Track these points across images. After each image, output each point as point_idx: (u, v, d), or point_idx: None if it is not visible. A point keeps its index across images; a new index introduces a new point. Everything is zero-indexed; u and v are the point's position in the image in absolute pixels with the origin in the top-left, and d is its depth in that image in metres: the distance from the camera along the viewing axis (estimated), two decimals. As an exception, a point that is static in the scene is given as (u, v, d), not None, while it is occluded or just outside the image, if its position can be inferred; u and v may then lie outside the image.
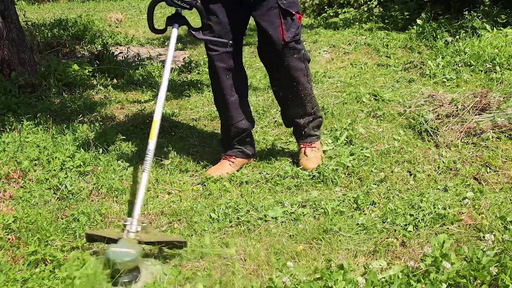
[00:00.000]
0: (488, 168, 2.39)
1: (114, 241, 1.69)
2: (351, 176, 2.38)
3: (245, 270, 1.73)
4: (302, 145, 2.54)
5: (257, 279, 1.68)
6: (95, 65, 4.44)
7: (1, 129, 2.89)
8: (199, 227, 2.00)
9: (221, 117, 2.52)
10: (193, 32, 2.17)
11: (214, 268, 1.73)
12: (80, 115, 3.24)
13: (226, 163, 2.49)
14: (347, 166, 2.43)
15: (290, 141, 2.83)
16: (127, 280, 1.60)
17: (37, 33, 5.87)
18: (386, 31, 5.66)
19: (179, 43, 6.30)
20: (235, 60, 2.34)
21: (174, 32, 2.10)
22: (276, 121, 3.17)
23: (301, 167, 2.45)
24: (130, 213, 2.11)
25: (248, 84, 2.52)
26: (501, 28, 4.72)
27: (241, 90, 2.43)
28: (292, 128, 2.61)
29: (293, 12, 2.19)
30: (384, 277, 1.59)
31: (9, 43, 3.75)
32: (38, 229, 1.91)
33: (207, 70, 4.64)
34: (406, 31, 5.43)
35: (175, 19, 2.12)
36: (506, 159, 2.47)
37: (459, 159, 2.50)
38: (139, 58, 5.10)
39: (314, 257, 1.79)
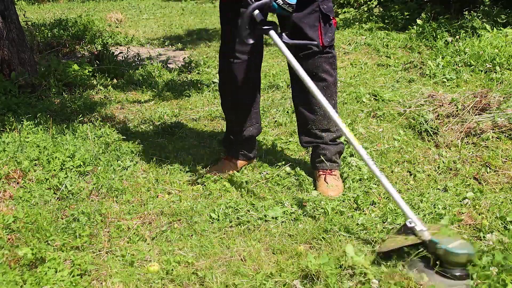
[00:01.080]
0: (488, 168, 2.39)
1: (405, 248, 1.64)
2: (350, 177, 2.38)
3: (245, 270, 1.73)
4: (321, 172, 2.33)
5: (257, 279, 1.68)
6: (95, 65, 4.44)
7: (1, 129, 2.89)
8: (199, 227, 2.00)
9: (229, 121, 2.48)
10: (284, 35, 1.98)
11: None
12: (80, 115, 3.24)
13: (227, 164, 2.49)
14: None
15: (290, 141, 2.83)
16: (461, 274, 1.55)
17: (37, 33, 5.87)
18: (386, 31, 5.66)
19: (179, 43, 6.31)
20: (255, 67, 2.29)
21: (274, 35, 1.93)
22: (276, 121, 3.17)
23: (319, 192, 2.25)
24: (130, 213, 2.12)
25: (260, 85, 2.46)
26: (501, 28, 4.72)
27: (255, 97, 2.38)
28: (309, 149, 2.45)
29: (331, 17, 2.16)
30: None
31: (9, 43, 3.75)
32: (38, 229, 1.91)
33: (206, 69, 4.66)
34: (406, 31, 5.43)
35: (268, 24, 1.93)
36: (506, 159, 2.47)
37: (459, 159, 2.50)
38: (139, 58, 5.11)
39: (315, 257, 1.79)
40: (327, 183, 2.28)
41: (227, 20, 2.23)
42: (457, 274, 1.55)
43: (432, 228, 1.68)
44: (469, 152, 2.56)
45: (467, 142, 2.66)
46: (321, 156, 2.34)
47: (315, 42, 2.12)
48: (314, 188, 2.30)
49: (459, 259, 1.55)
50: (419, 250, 1.60)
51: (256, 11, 1.90)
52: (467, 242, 1.61)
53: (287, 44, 1.94)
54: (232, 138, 2.49)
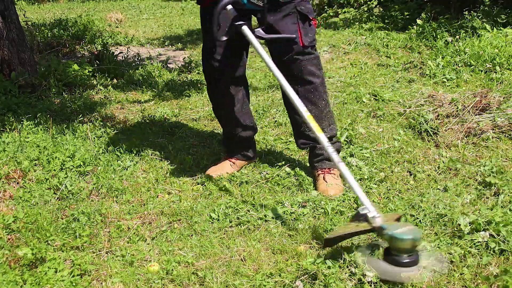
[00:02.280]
0: (488, 168, 2.39)
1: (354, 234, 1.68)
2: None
3: (245, 270, 1.73)
4: (320, 171, 2.33)
5: (257, 279, 1.68)
6: (95, 65, 4.44)
7: (1, 129, 2.89)
8: (199, 227, 2.00)
9: (224, 127, 2.51)
10: (260, 29, 2.00)
11: None
12: (80, 115, 3.24)
13: (227, 164, 2.49)
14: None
15: (290, 141, 2.83)
16: (409, 260, 1.54)
17: (37, 33, 5.87)
18: (386, 31, 5.66)
19: (179, 43, 6.31)
20: (240, 72, 2.30)
21: (248, 31, 1.95)
22: (276, 121, 3.17)
23: (319, 192, 2.25)
24: (130, 213, 2.11)
25: (248, 84, 2.49)
26: (501, 28, 4.72)
27: (244, 100, 2.39)
28: (307, 150, 2.44)
29: (311, 18, 2.17)
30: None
31: (9, 43, 3.75)
32: (38, 229, 1.91)
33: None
34: (406, 31, 5.43)
35: (241, 20, 1.94)
36: (506, 159, 2.46)
37: (459, 159, 2.50)
38: (139, 58, 5.11)
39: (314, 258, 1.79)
40: (326, 182, 2.28)
41: (202, 24, 2.25)
42: (404, 261, 1.53)
43: (389, 217, 1.68)
44: (469, 152, 2.56)
45: (467, 142, 2.66)
46: (319, 156, 2.35)
47: (293, 36, 2.11)
48: (314, 188, 2.30)
49: (404, 244, 1.52)
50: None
51: (229, 6, 1.90)
52: (415, 228, 1.58)
53: (269, 45, 2.01)
54: (231, 142, 2.50)
